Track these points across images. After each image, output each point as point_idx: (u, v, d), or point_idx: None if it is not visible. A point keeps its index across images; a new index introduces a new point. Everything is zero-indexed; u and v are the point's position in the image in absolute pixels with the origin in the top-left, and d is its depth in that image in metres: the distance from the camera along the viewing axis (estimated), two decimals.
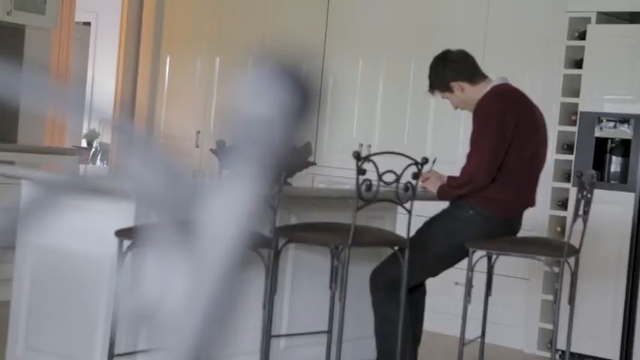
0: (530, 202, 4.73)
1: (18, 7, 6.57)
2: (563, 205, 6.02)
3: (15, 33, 6.78)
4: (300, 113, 0.81)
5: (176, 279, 0.81)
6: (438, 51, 4.82)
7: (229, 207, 0.81)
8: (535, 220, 5.66)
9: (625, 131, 5.73)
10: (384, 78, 6.94)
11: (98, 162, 10.40)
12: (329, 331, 4.84)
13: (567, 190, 5.97)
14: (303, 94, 0.81)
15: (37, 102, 0.90)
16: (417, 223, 4.62)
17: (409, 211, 4.42)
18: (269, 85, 0.80)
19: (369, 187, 4.24)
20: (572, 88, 6.01)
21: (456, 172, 4.64)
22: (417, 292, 4.81)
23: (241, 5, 7.75)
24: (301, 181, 4.89)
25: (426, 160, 4.38)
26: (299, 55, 0.83)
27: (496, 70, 5.15)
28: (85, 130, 10.31)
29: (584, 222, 4.69)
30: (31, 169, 4.44)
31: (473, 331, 4.94)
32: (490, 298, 4.96)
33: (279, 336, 4.76)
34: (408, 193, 4.40)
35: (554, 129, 5.85)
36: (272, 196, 4.00)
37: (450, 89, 4.69)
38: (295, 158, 4.45)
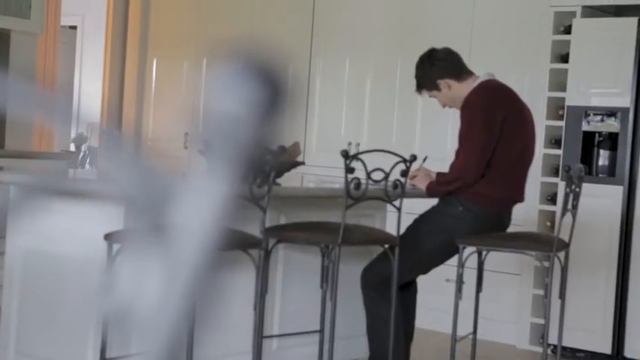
0: (520, 197, 4.74)
1: (2, 12, 6.54)
2: (552, 199, 6.03)
3: (0, 38, 6.75)
4: (270, 111, 0.81)
5: (152, 279, 0.81)
6: (424, 48, 4.83)
7: (201, 205, 0.81)
8: (524, 215, 5.67)
9: (612, 124, 5.74)
10: (372, 76, 6.94)
11: (87, 166, 10.38)
12: (321, 331, 4.84)
13: (556, 184, 5.98)
14: (273, 92, 0.81)
15: (24, 108, 0.90)
16: (406, 221, 4.62)
17: (398, 209, 4.43)
18: (239, 82, 0.80)
19: (358, 186, 4.25)
20: (559, 82, 6.02)
21: (444, 168, 4.65)
22: (409, 290, 4.81)
23: (227, 6, 7.74)
24: (290, 180, 4.89)
25: (414, 158, 4.38)
26: (270, 53, 0.83)
27: (483, 66, 5.16)
28: (73, 134, 10.28)
29: (573, 216, 4.70)
30: (18, 174, 4.42)
31: (465, 328, 4.95)
32: (481, 294, 4.97)
33: (271, 336, 4.76)
34: (397, 191, 4.40)
35: (541, 124, 5.86)
36: (261, 196, 4.00)
37: (437, 87, 4.70)
38: (283, 158, 4.45)
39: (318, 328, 4.85)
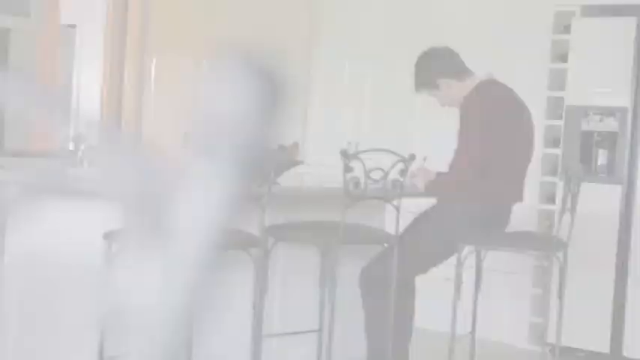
0: (519, 196, 4.73)
1: (1, 10, 6.53)
2: (551, 199, 6.03)
3: None
4: (270, 110, 0.81)
5: (151, 279, 0.81)
6: (423, 48, 4.82)
7: (201, 204, 0.81)
8: (523, 215, 5.66)
9: (611, 124, 5.74)
10: (372, 76, 6.94)
11: (86, 165, 10.36)
12: (320, 330, 4.83)
13: (555, 184, 5.98)
14: (273, 92, 0.81)
15: (23, 106, 0.90)
16: (405, 220, 4.62)
17: (397, 209, 4.43)
18: (239, 82, 0.80)
19: (357, 185, 4.25)
20: (558, 81, 6.02)
21: (444, 168, 4.64)
22: (407, 289, 4.81)
23: (227, 6, 7.73)
24: (290, 180, 4.88)
25: (413, 157, 4.38)
26: (269, 53, 0.83)
27: (482, 66, 5.15)
28: (72, 133, 10.27)
29: (572, 215, 4.70)
30: (17, 172, 4.42)
31: (463, 327, 4.94)
32: (480, 294, 4.97)
33: (270, 335, 4.75)
34: (397, 190, 4.40)
35: (540, 123, 5.86)
36: (261, 195, 4.00)
37: (436, 87, 4.70)
38: (283, 157, 4.45)
39: (317, 327, 4.85)
